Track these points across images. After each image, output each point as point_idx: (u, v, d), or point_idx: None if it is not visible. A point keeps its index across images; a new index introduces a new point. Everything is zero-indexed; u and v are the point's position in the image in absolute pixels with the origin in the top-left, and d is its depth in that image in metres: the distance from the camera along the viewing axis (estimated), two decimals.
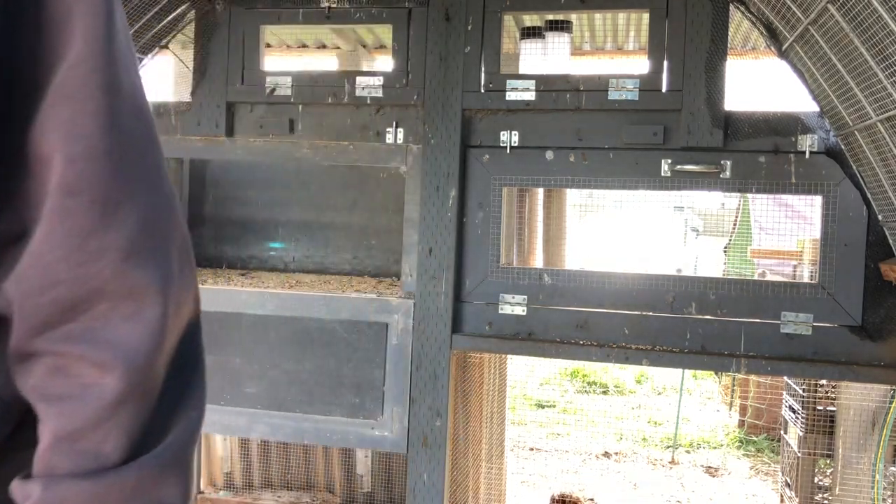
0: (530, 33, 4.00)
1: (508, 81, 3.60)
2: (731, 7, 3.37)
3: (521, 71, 4.01)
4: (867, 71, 2.52)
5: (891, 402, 3.49)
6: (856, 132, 2.92)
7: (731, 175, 3.42)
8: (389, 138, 3.78)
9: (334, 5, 3.81)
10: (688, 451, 8.33)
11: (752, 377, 8.19)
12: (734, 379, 9.27)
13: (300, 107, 3.89)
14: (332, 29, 5.27)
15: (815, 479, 5.26)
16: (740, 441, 8.50)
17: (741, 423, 8.74)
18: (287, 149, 3.93)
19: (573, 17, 4.37)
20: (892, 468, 3.93)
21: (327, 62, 6.11)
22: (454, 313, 3.70)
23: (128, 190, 0.90)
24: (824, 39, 2.73)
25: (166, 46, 3.87)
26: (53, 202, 0.86)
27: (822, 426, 5.10)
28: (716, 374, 10.20)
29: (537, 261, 4.88)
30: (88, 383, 0.87)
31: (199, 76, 3.95)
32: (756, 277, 7.33)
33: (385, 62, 5.83)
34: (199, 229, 5.23)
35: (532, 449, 8.22)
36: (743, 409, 8.75)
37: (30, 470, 0.90)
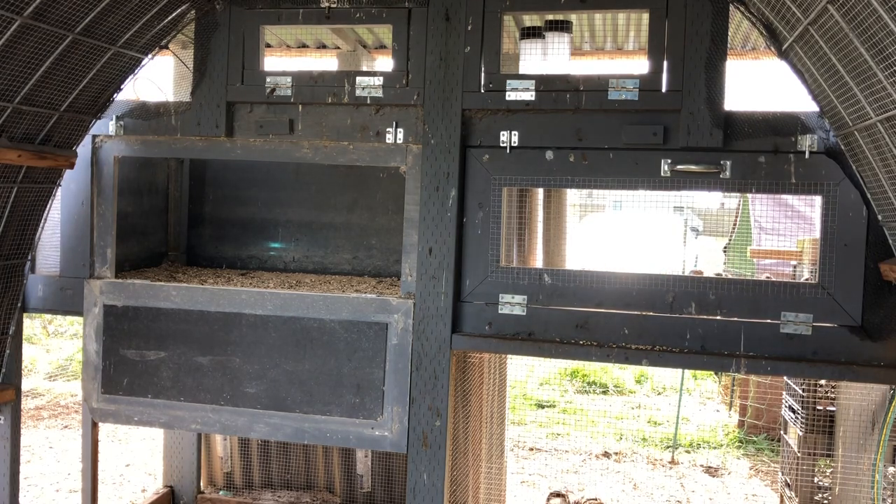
0: (530, 33, 4.01)
1: (508, 81, 3.60)
2: (731, 7, 3.37)
3: (521, 71, 4.01)
4: (867, 71, 2.52)
5: (890, 402, 3.49)
6: (856, 132, 2.92)
7: (731, 175, 3.42)
8: (389, 138, 3.79)
9: (334, 5, 3.81)
10: (688, 451, 8.33)
11: (752, 377, 8.19)
12: (734, 379, 9.27)
13: (300, 107, 3.89)
14: (332, 29, 5.27)
15: (815, 479, 5.26)
16: (740, 441, 8.50)
17: (741, 423, 8.74)
18: (287, 149, 3.93)
19: (573, 17, 4.37)
20: (892, 468, 3.93)
21: (327, 62, 6.11)
22: (454, 313, 3.70)
23: None
24: (824, 39, 2.73)
25: (166, 46, 3.87)
26: None
27: (822, 426, 5.11)
28: (716, 374, 10.20)
29: (537, 261, 4.88)
30: None
31: (199, 76, 3.95)
32: (759, 277, 7.32)
33: (385, 62, 5.83)
34: (199, 229, 5.23)
35: (532, 449, 8.22)
36: (743, 409, 8.76)
37: None
